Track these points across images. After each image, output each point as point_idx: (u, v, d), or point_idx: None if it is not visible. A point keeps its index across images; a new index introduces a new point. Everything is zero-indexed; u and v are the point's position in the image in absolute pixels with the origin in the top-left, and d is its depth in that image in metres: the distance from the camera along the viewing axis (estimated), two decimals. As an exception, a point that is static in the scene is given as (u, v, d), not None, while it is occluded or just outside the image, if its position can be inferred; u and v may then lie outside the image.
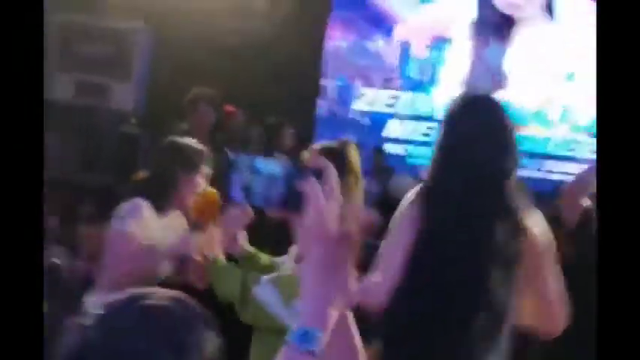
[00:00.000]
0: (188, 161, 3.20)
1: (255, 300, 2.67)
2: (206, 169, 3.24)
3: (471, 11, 8.30)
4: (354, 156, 2.96)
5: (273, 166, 1.23)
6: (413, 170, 7.78)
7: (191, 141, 3.31)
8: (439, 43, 8.50)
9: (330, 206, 1.20)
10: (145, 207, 3.12)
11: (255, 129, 6.03)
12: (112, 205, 3.40)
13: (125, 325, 1.01)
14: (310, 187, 1.20)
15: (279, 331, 2.72)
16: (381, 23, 8.44)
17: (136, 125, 7.46)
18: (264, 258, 3.05)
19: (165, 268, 3.10)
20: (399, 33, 8.49)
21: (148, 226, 3.09)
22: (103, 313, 1.04)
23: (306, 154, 2.99)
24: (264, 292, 2.70)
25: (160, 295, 1.06)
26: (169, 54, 7.38)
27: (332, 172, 1.23)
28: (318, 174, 1.24)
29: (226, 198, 3.33)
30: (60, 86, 7.28)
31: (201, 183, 3.20)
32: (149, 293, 1.06)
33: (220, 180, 3.21)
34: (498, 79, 8.37)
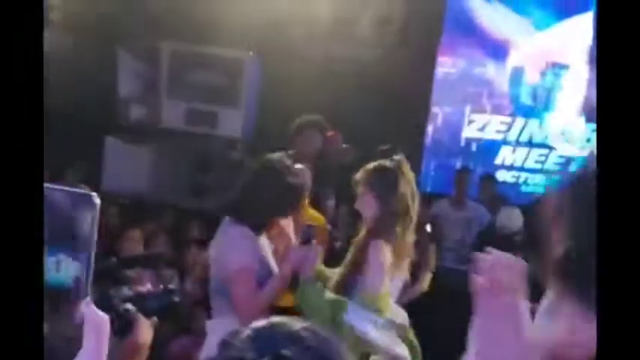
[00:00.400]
0: (296, 195, 3.17)
1: (349, 326, 2.66)
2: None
3: (589, 36, 8.02)
4: (408, 173, 2.97)
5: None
6: (526, 198, 7.50)
7: (298, 172, 3.29)
8: (555, 68, 8.21)
9: None
10: (248, 235, 3.12)
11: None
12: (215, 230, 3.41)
13: (281, 347, 1.03)
14: None
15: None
16: (493, 49, 8.24)
17: (244, 152, 7.55)
18: (327, 271, 3.06)
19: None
20: (513, 59, 8.27)
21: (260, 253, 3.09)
22: (253, 335, 1.06)
23: (359, 175, 2.99)
24: (355, 316, 2.69)
25: (295, 323, 1.09)
26: (277, 82, 7.43)
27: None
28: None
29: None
30: (171, 113, 7.47)
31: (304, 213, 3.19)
32: (287, 322, 1.09)
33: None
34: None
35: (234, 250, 3.07)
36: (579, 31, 8.08)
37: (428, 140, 8.25)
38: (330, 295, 2.91)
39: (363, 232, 3.08)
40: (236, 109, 7.47)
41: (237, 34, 7.26)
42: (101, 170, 7.33)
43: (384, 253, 2.96)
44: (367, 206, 3.10)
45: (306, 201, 3.29)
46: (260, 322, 1.08)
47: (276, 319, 1.09)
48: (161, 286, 2.02)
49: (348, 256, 3.08)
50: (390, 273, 2.98)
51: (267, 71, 7.62)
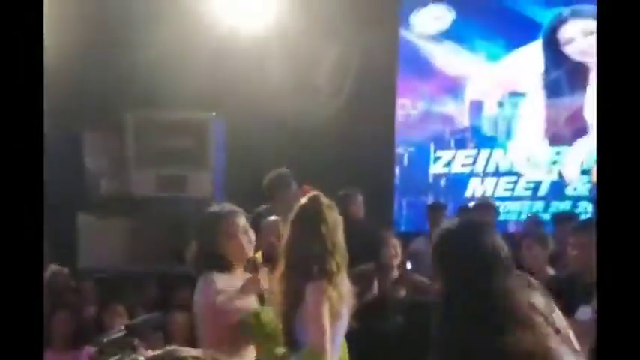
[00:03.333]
0: (228, 226, 3.34)
1: None
2: (243, 227, 3.37)
3: (542, 63, 8.23)
4: (330, 215, 3.11)
5: None
6: (501, 226, 7.59)
7: (223, 206, 3.50)
8: (511, 97, 8.41)
9: None
10: (215, 278, 3.27)
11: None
12: None
13: None
14: None
15: None
16: (450, 86, 8.43)
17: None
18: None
19: None
20: (470, 93, 8.45)
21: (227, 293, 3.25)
22: None
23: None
24: None
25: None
26: (241, 141, 7.52)
27: None
28: None
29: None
30: (141, 182, 7.50)
31: (240, 242, 3.34)
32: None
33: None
34: (579, 125, 8.19)
35: (199, 296, 3.29)
36: (530, 59, 8.31)
37: (396, 181, 8.35)
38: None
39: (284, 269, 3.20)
40: (205, 170, 7.52)
41: (197, 97, 7.36)
42: (76, 247, 7.31)
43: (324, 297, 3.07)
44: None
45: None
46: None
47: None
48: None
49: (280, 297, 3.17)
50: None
51: (230, 131, 7.72)
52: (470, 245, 2.33)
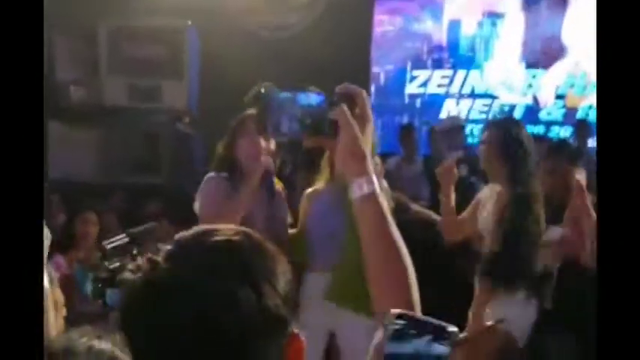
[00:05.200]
0: (240, 126, 3.41)
1: None
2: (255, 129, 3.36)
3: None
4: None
5: (309, 97, 1.29)
6: (473, 149, 7.62)
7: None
8: (490, 18, 8.32)
9: (361, 128, 1.28)
10: (217, 178, 3.36)
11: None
12: (172, 203, 3.49)
13: (195, 261, 1.01)
14: (340, 113, 1.28)
15: None
16: (428, 3, 8.30)
17: (190, 124, 7.50)
18: None
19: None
20: (449, 12, 8.34)
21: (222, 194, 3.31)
22: (171, 249, 1.03)
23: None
24: None
25: (227, 230, 1.05)
26: (217, 51, 7.38)
27: (362, 97, 1.33)
28: (351, 100, 1.30)
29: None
30: (113, 91, 7.36)
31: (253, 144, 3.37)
32: (216, 229, 1.05)
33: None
34: (556, 49, 8.15)
35: (207, 196, 3.33)
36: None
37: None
38: None
39: None
40: (179, 80, 7.39)
41: (172, 6, 7.17)
42: (46, 157, 7.22)
43: None
44: None
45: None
46: (185, 232, 1.07)
47: (204, 227, 1.07)
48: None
49: None
50: None
51: (204, 41, 7.56)
52: None
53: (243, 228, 1.08)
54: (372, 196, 1.28)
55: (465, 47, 8.31)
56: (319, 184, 3.66)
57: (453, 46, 8.30)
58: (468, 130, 7.85)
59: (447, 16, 8.32)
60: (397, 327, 1.01)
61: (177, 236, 1.05)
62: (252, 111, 3.46)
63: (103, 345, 1.41)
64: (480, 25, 8.30)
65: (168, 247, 1.03)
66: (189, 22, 7.43)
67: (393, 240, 1.27)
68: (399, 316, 1.02)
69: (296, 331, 1.03)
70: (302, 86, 1.37)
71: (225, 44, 7.38)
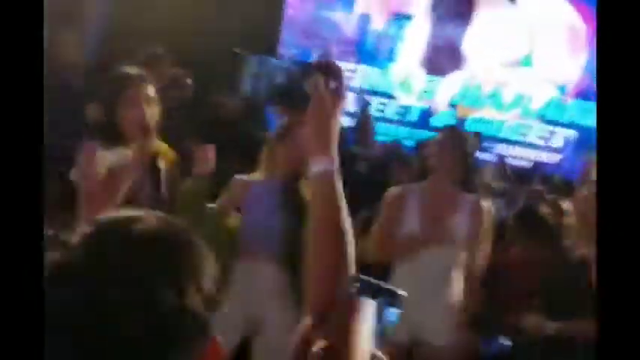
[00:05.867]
0: (123, 87, 3.04)
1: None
2: (148, 91, 3.09)
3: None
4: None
5: (283, 64, 1.21)
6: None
7: (129, 69, 3.18)
8: (399, 18, 8.43)
9: (334, 104, 1.23)
10: (93, 147, 3.03)
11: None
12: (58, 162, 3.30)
13: (110, 248, 0.92)
14: (315, 85, 1.23)
15: None
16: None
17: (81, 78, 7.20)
18: None
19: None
20: (360, 5, 8.39)
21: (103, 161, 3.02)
22: (90, 232, 0.95)
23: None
24: None
25: (152, 219, 0.97)
26: (123, 8, 7.13)
27: (340, 72, 1.26)
28: (327, 73, 1.24)
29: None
30: None
31: (141, 109, 3.05)
32: (140, 217, 0.97)
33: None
34: (455, 58, 8.36)
35: (88, 169, 3.04)
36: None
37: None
38: None
39: None
40: (77, 29, 7.05)
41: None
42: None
43: None
44: None
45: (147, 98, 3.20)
46: (105, 216, 0.98)
47: (125, 213, 0.99)
48: None
49: None
50: None
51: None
52: None
53: (170, 218, 1.00)
54: (329, 176, 1.24)
55: (371, 43, 8.38)
56: (255, 175, 3.60)
57: (361, 40, 8.35)
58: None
59: (358, 9, 8.36)
60: (357, 288, 1.03)
61: (96, 218, 0.97)
62: (137, 71, 3.17)
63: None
64: (388, 23, 8.39)
65: (85, 228, 0.95)
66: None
67: (340, 226, 1.22)
68: (356, 279, 1.04)
69: (215, 336, 0.96)
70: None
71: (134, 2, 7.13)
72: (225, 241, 3.50)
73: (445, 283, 3.57)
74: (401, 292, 1.05)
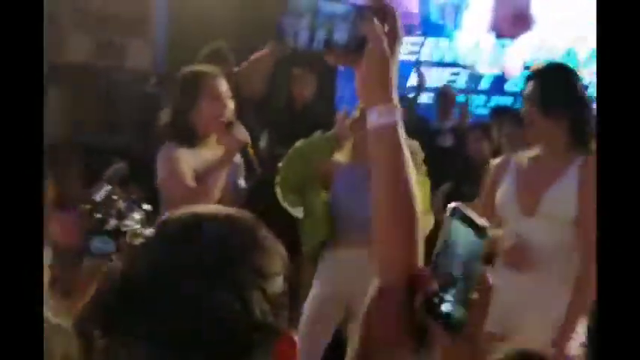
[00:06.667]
0: (199, 84, 3.11)
1: None
2: (223, 88, 3.15)
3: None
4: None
5: (335, 7, 1.13)
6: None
7: (202, 67, 3.27)
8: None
9: (391, 48, 1.15)
10: (175, 149, 3.08)
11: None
12: (137, 165, 3.34)
13: (174, 255, 0.87)
14: (371, 27, 1.13)
15: None
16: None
17: (157, 84, 7.36)
18: None
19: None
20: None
21: (184, 166, 3.06)
22: (152, 237, 0.90)
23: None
24: None
25: (217, 217, 0.91)
26: (185, 10, 7.22)
27: (394, 13, 1.17)
28: (382, 16, 1.16)
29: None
30: (77, 48, 7.18)
31: (221, 103, 3.12)
32: (204, 214, 0.91)
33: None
34: (524, 20, 8.14)
35: (159, 167, 3.10)
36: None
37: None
38: None
39: None
40: (146, 39, 7.24)
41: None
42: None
43: None
44: None
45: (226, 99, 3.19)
46: (169, 215, 0.93)
47: (189, 210, 0.93)
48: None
49: None
50: None
51: (172, 1, 7.40)
52: None
53: (239, 212, 0.94)
54: (391, 127, 1.13)
55: (435, 15, 8.25)
56: (339, 157, 3.50)
57: (424, 12, 8.23)
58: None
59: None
60: (457, 217, 1.04)
61: (161, 219, 0.92)
62: (210, 68, 3.27)
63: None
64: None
65: (150, 232, 0.90)
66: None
67: (406, 181, 1.12)
68: (456, 209, 1.05)
69: (289, 333, 0.90)
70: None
71: (193, 3, 7.23)
72: (320, 216, 3.46)
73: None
74: (485, 223, 1.05)
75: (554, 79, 3.00)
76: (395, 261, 1.11)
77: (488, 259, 3.07)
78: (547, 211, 2.92)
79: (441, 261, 1.04)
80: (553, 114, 2.93)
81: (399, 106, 1.16)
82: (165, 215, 0.93)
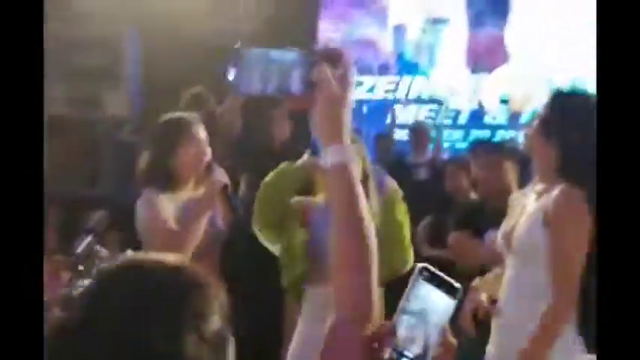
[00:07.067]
0: (178, 131, 3.16)
1: None
2: (202, 134, 3.19)
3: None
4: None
5: (287, 55, 1.19)
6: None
7: (181, 114, 3.32)
8: (434, 23, 8.35)
9: (341, 92, 1.18)
10: (155, 195, 3.10)
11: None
12: (118, 214, 3.31)
13: (112, 301, 0.89)
14: (321, 72, 1.18)
15: None
16: (373, 10, 8.28)
17: (132, 132, 7.34)
18: None
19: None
20: (393, 18, 8.34)
21: (165, 211, 3.07)
22: (90, 285, 0.93)
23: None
24: None
25: (158, 265, 0.94)
26: (157, 57, 7.23)
27: (345, 58, 1.22)
28: (333, 60, 1.19)
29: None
30: (51, 100, 7.15)
31: (200, 149, 3.16)
32: (144, 262, 0.94)
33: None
34: (498, 54, 8.21)
35: (139, 213, 3.12)
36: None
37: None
38: None
39: None
40: (120, 88, 7.23)
41: (112, 13, 7.00)
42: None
43: None
44: None
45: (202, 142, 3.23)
46: (113, 262, 0.97)
47: (132, 257, 0.98)
48: None
49: None
50: None
51: (146, 47, 7.41)
52: None
53: (178, 260, 0.96)
54: (344, 166, 1.18)
55: (409, 53, 8.32)
56: (316, 199, 3.39)
57: (399, 51, 8.30)
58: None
59: (392, 22, 8.32)
60: (425, 278, 1.06)
61: (99, 269, 0.95)
62: (188, 115, 3.32)
63: None
64: (424, 30, 8.32)
65: (89, 282, 0.94)
66: (128, 29, 7.27)
67: (360, 216, 1.19)
68: (424, 269, 1.07)
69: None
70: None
71: (167, 51, 7.24)
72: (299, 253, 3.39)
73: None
74: (457, 285, 1.07)
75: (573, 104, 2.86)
76: (348, 294, 1.17)
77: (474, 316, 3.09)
78: (516, 246, 2.78)
79: (404, 318, 1.06)
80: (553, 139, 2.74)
81: (350, 145, 1.20)
82: (104, 264, 0.97)
